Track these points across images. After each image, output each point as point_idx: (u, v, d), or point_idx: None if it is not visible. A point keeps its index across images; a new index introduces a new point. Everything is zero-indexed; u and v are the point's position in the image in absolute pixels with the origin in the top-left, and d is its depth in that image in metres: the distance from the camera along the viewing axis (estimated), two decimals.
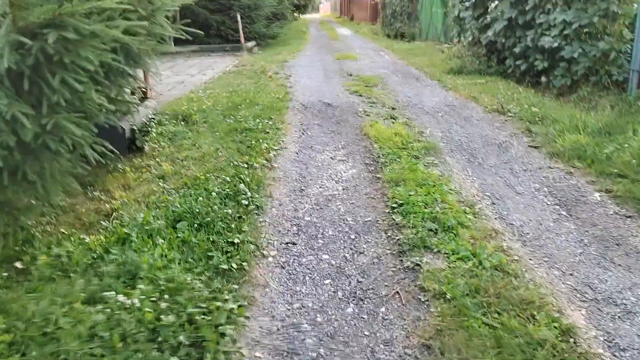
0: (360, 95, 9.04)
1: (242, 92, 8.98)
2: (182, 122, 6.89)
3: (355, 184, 5.01)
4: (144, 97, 6.69)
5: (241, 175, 4.83)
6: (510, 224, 4.13)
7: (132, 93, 6.05)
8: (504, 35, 10.09)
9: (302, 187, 4.93)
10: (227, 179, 4.74)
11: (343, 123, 7.27)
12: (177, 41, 15.30)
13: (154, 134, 6.09)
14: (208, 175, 4.85)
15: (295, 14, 34.04)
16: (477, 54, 11.97)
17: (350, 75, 11.57)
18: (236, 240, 3.62)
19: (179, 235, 3.64)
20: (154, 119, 6.53)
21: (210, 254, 3.41)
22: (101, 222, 3.92)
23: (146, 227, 3.70)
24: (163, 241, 3.52)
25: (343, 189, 4.89)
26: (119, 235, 3.59)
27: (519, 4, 9.51)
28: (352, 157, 5.83)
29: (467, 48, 12.68)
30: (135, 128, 5.69)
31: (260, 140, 6.07)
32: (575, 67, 8.07)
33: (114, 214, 4.08)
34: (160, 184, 4.75)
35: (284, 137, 6.51)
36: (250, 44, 17.09)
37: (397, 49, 17.52)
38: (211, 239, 3.61)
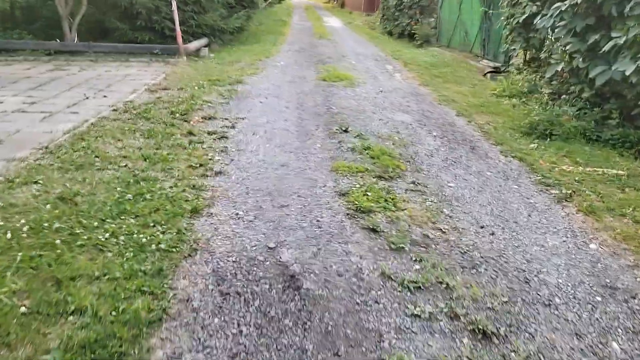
0: (375, 231, 3.65)
1: (84, 214, 3.57)
2: None
3: None
4: None
5: None
6: None
7: None
8: None
9: None
10: None
11: None
12: (86, 36, 9.40)
13: None
14: None
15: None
16: (572, 97, 6.66)
17: (346, 130, 6.17)
18: None
19: None
20: None
21: None
22: None
23: None
24: None
25: None
26: None
27: None
28: None
29: (547, 82, 7.36)
30: None
31: None
32: None
33: None
34: None
35: None
36: (197, 43, 11.55)
37: (410, 60, 12.12)
38: None
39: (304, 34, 18.77)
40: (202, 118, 6.41)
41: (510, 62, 9.51)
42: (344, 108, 7.34)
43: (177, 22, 10.39)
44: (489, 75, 9.79)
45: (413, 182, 4.64)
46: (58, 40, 10.85)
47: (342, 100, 7.82)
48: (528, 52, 8.47)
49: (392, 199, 4.16)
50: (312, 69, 10.72)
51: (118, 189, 3.98)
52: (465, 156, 5.51)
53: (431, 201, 4.24)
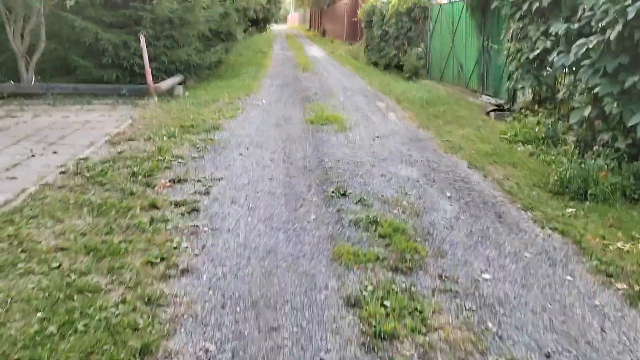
0: None
1: None
2: None
3: None
4: None
5: None
6: None
7: None
8: None
9: None
10: None
11: None
12: (49, 73, 8.23)
13: None
14: None
15: (253, 29, 27.52)
16: (604, 147, 5.73)
17: (345, 194, 5.12)
18: None
19: None
20: None
21: None
22: None
23: None
24: None
25: None
26: None
27: None
28: None
29: (565, 127, 6.45)
30: None
31: None
32: None
33: None
34: None
35: None
36: (170, 81, 10.52)
37: (402, 96, 11.22)
38: None
39: (286, 65, 17.90)
40: (169, 181, 5.31)
41: (516, 100, 8.63)
42: (338, 160, 6.31)
43: (146, 60, 9.35)
44: (492, 114, 8.90)
45: (440, 276, 3.58)
46: (12, 82, 9.71)
47: (335, 150, 6.80)
48: (539, 91, 7.58)
49: (419, 311, 3.08)
50: (297, 108, 9.74)
51: (39, 314, 2.84)
52: (493, 228, 4.49)
53: (469, 309, 3.18)
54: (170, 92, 10.41)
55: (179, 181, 5.34)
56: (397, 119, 8.96)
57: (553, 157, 6.17)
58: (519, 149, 6.85)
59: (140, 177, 5.39)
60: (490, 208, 4.96)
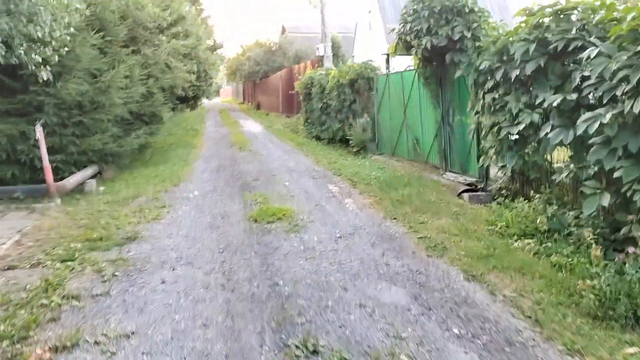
0: None
1: None
2: None
3: None
4: None
5: None
6: None
7: None
8: None
9: None
10: None
11: None
12: None
13: None
14: None
15: (183, 106, 26.14)
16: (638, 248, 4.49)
17: (315, 351, 3.53)
18: None
19: None
20: None
21: None
22: None
23: None
24: None
25: None
26: None
27: None
28: None
29: (572, 217, 5.23)
30: None
31: None
32: None
33: None
34: None
35: None
36: (79, 176, 8.73)
37: (355, 176, 9.91)
38: None
39: (221, 144, 16.45)
40: (49, 349, 3.52)
41: (489, 178, 7.50)
42: (297, 281, 4.74)
43: (44, 154, 7.57)
44: (465, 195, 7.68)
45: None
46: None
47: (290, 263, 5.23)
48: (524, 171, 6.44)
49: None
50: (236, 200, 8.18)
51: None
52: None
53: None
54: (80, 189, 8.60)
55: (65, 348, 3.56)
56: (357, 208, 7.55)
57: (568, 259, 4.86)
58: (515, 245, 5.53)
59: (5, 342, 3.58)
60: (521, 353, 3.50)
